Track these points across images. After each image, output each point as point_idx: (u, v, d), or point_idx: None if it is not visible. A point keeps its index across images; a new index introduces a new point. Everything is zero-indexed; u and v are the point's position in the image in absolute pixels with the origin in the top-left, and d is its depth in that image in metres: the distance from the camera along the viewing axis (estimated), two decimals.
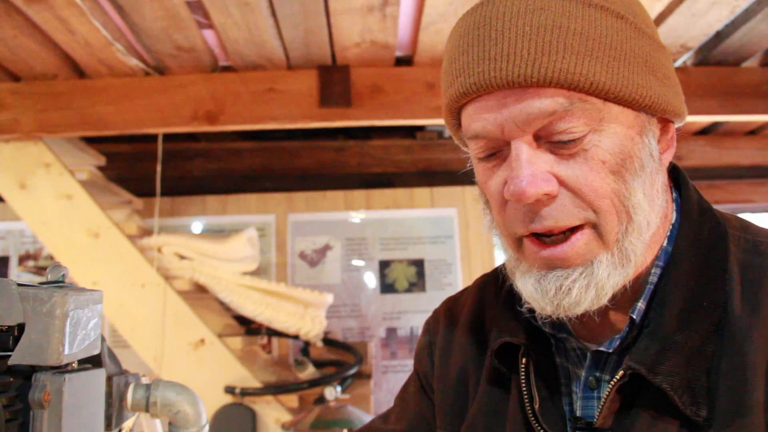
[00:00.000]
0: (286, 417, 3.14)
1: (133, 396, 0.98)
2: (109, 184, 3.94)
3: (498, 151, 0.83)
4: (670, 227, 0.89)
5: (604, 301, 0.81)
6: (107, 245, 3.36)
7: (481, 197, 0.90)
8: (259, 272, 3.90)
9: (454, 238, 4.47)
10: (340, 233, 4.46)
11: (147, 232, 3.72)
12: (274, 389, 3.14)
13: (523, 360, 0.89)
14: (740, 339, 0.79)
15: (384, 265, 4.42)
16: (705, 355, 0.78)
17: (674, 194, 0.93)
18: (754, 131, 5.08)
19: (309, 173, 4.79)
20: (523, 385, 0.89)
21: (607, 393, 0.81)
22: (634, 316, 0.83)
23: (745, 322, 0.80)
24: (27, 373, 0.72)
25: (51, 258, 4.46)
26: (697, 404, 0.76)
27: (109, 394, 0.90)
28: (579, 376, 0.90)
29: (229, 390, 3.10)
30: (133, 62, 3.22)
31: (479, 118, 0.81)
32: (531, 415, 0.87)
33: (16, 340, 0.70)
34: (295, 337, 3.44)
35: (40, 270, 4.50)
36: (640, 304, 0.84)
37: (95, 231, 3.38)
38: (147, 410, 1.01)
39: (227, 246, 3.47)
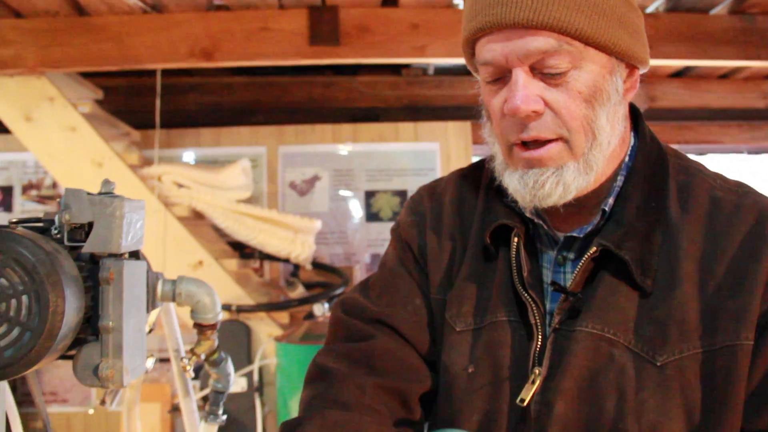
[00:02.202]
0: (278, 332, 3.42)
1: (162, 288, 1.23)
2: (109, 117, 4.14)
3: (502, 77, 1.06)
4: (629, 148, 1.14)
5: (569, 197, 1.05)
6: (110, 174, 3.58)
7: (484, 112, 1.14)
8: (251, 201, 4.14)
9: (435, 170, 4.72)
10: (328, 164, 4.69)
11: (147, 162, 3.95)
12: (267, 306, 3.42)
13: (515, 239, 1.13)
14: (674, 231, 1.06)
15: (369, 195, 4.68)
16: (652, 241, 1.05)
17: (633, 128, 1.18)
18: (726, 75, 5.28)
19: (299, 107, 4.99)
20: (513, 258, 1.13)
21: (581, 264, 1.06)
22: (606, 208, 1.09)
23: (678, 220, 1.07)
24: (93, 260, 0.97)
25: (53, 187, 4.69)
26: (645, 275, 1.03)
27: (146, 284, 1.15)
28: (550, 255, 1.15)
29: (226, 307, 3.37)
30: (132, 1, 3.39)
31: (490, 49, 1.04)
32: (518, 282, 1.11)
33: (87, 234, 0.95)
34: (286, 260, 3.71)
35: (42, 199, 4.72)
36: (610, 200, 1.09)
37: (99, 161, 3.60)
38: (173, 300, 1.27)
39: (222, 175, 3.71)
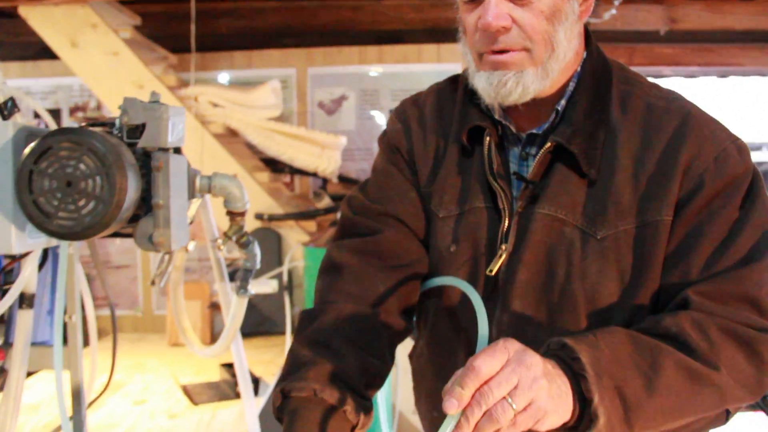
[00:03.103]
0: (306, 238, 3.74)
1: (200, 182, 1.51)
2: (147, 42, 4.41)
3: None
4: (582, 61, 1.35)
5: (527, 98, 1.25)
6: None
7: (461, 28, 1.32)
8: (282, 119, 4.40)
9: None
10: (354, 85, 4.93)
11: (184, 84, 4.23)
12: (296, 215, 3.73)
13: (487, 138, 1.33)
14: (615, 131, 1.28)
15: None
16: (596, 138, 1.27)
17: (586, 46, 1.38)
18: None
19: (327, 30, 5.17)
20: (486, 154, 1.33)
21: (539, 157, 1.27)
22: (559, 108, 1.30)
23: (619, 121, 1.29)
24: (145, 153, 1.26)
25: (98, 109, 5.01)
26: (590, 166, 1.25)
27: (186, 175, 1.43)
28: (515, 151, 1.35)
29: (259, 216, 3.70)
30: None
31: None
32: (490, 174, 1.31)
33: (141, 132, 1.24)
34: (314, 174, 4.00)
35: (88, 120, 5.04)
36: (563, 102, 1.30)
37: (140, 83, 3.89)
38: (209, 191, 1.55)
39: (254, 95, 3.98)
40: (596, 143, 1.28)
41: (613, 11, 4.86)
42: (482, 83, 1.27)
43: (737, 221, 1.21)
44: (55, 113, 5.07)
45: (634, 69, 1.43)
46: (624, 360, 1.07)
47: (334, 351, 1.22)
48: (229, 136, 4.09)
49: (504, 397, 0.95)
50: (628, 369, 1.07)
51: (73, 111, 5.06)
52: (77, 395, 1.76)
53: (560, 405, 1.01)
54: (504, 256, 1.29)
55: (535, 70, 1.25)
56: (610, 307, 1.25)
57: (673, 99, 1.33)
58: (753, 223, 1.20)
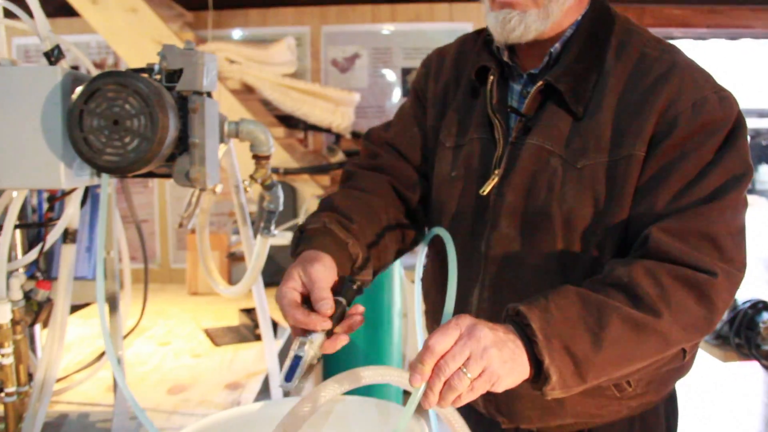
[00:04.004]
0: (320, 192, 3.86)
1: (228, 127, 1.62)
2: None
3: None
4: (585, 9, 1.47)
5: (529, 37, 1.40)
6: None
7: None
8: (296, 76, 4.50)
9: None
10: (367, 43, 5.00)
11: (201, 41, 4.31)
12: (310, 169, 3.84)
13: (491, 77, 1.50)
14: (606, 74, 1.40)
15: (406, 72, 5.00)
16: (587, 78, 1.40)
17: None
18: None
19: None
20: (488, 91, 1.49)
21: (531, 94, 1.42)
22: (552, 51, 1.44)
23: (611, 67, 1.41)
24: (181, 97, 1.36)
25: (115, 66, 5.10)
26: (577, 103, 1.38)
27: (218, 118, 1.54)
28: (517, 89, 1.51)
29: (274, 170, 3.79)
30: None
31: None
32: (489, 107, 1.48)
33: (179, 77, 1.34)
34: (328, 130, 4.11)
35: None
36: (557, 46, 1.44)
37: (159, 40, 3.97)
38: (237, 136, 1.65)
39: (270, 51, 4.07)
40: (586, 84, 1.40)
41: None
42: (492, 21, 1.43)
43: (709, 164, 1.32)
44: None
45: None
46: (573, 319, 1.18)
47: (343, 213, 1.44)
48: (245, 93, 4.19)
49: (459, 368, 1.08)
50: (577, 328, 1.17)
51: None
52: (114, 325, 1.89)
53: (515, 367, 1.13)
54: (495, 180, 1.46)
55: (537, 11, 1.39)
56: (584, 230, 1.39)
57: (668, 51, 1.44)
58: (723, 166, 1.31)
